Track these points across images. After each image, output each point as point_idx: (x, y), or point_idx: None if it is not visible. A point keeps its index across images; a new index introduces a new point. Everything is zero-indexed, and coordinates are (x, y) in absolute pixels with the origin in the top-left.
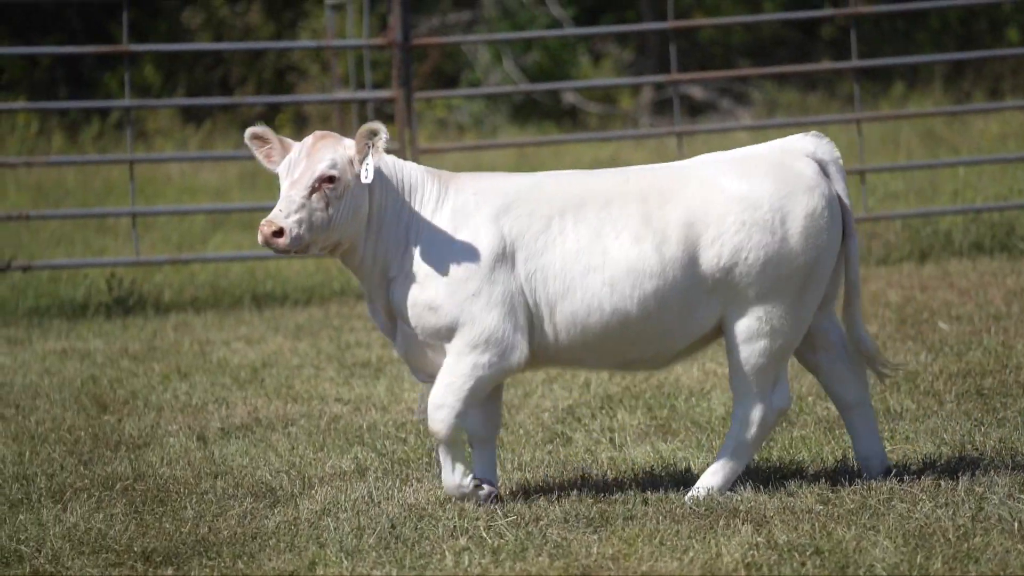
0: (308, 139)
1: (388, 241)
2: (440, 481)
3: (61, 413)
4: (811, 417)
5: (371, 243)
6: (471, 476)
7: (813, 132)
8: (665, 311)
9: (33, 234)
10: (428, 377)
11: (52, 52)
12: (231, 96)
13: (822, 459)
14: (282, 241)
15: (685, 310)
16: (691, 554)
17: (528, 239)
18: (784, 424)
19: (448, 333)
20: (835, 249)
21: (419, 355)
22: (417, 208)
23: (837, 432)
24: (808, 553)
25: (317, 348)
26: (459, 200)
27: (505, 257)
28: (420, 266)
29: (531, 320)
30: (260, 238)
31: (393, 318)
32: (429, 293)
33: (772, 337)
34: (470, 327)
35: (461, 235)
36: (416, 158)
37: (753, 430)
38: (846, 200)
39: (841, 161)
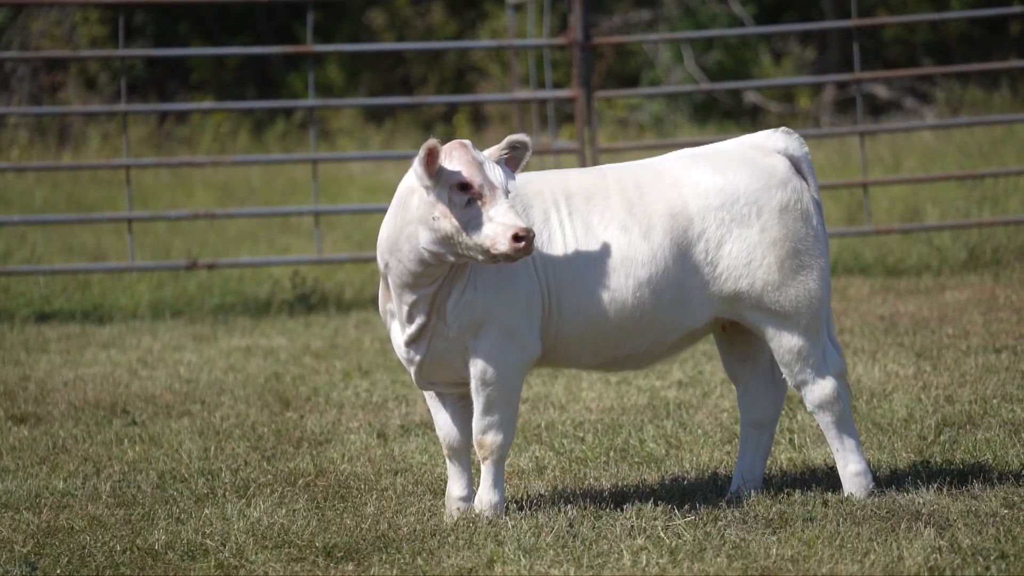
0: (479, 151)
1: None
2: (484, 495)
3: (245, 409)
4: (996, 420)
5: None
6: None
7: (783, 128)
8: (660, 301)
9: (219, 232)
10: (438, 387)
11: (239, 52)
12: (412, 95)
13: (1007, 462)
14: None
15: (678, 301)
16: (872, 557)
17: (536, 231)
18: (968, 426)
19: (478, 327)
20: (822, 233)
21: (441, 361)
22: None
23: (1023, 435)
24: (993, 558)
25: None
26: None
27: None
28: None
29: (544, 313)
30: (527, 248)
31: (425, 327)
32: (468, 289)
33: (794, 318)
34: (499, 321)
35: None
36: (596, 158)
37: (836, 406)
38: (817, 198)
39: (811, 157)
